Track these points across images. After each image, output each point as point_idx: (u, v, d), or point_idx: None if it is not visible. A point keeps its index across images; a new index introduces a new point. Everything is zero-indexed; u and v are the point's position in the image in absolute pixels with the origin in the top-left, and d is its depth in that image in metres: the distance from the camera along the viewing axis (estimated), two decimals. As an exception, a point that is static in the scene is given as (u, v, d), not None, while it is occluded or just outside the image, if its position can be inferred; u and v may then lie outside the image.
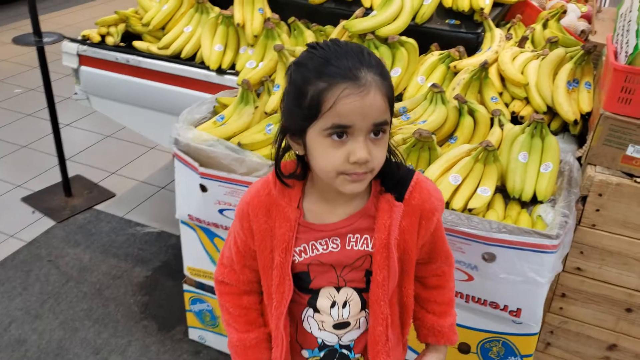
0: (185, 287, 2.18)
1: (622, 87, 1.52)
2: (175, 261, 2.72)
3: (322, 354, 1.18)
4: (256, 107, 1.93)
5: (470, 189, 1.61)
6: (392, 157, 1.09)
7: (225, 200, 1.81)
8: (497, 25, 2.31)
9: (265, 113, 1.95)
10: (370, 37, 2.02)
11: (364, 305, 1.13)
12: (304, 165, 1.08)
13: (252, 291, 1.24)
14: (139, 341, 2.30)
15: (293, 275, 1.11)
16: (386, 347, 1.13)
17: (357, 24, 2.04)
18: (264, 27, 2.14)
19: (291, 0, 2.34)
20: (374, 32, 2.03)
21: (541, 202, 1.63)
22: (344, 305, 1.13)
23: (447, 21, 2.18)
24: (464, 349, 1.74)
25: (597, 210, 1.62)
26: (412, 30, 2.10)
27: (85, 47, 2.49)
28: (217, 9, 2.42)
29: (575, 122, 1.82)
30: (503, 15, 2.47)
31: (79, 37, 2.54)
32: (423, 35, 2.12)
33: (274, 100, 1.96)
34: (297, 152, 1.05)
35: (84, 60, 2.53)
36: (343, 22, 2.11)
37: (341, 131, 0.95)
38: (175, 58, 2.37)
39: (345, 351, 1.17)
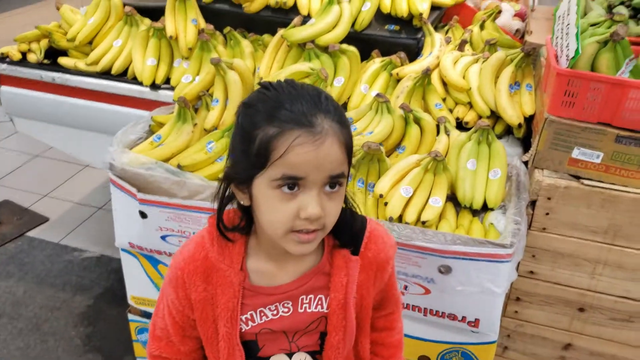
0: (131, 316, 2.06)
1: (565, 91, 1.52)
2: (119, 286, 2.58)
3: None
4: (195, 125, 1.83)
5: (422, 200, 1.58)
6: (346, 205, 0.99)
7: (167, 226, 1.71)
8: (435, 28, 2.30)
9: (205, 130, 1.86)
10: (311, 47, 1.96)
11: None
12: (248, 218, 0.97)
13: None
14: (83, 377, 2.17)
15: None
16: None
17: (296, 33, 1.98)
18: (198, 39, 2.05)
19: (226, 9, 2.25)
20: (314, 40, 1.97)
21: (492, 209, 1.61)
22: None
23: (386, 27, 2.15)
24: (423, 362, 1.71)
25: (547, 213, 1.63)
26: (352, 37, 2.06)
27: (4, 65, 2.32)
28: (147, 21, 2.30)
29: (519, 125, 1.82)
30: (440, 18, 2.47)
31: (-2, 55, 2.36)
32: (363, 42, 2.08)
33: (213, 115, 1.87)
34: (242, 202, 0.94)
35: (4, 79, 2.36)
36: (281, 31, 2.04)
37: (292, 183, 0.86)
38: (106, 74, 2.24)
39: None
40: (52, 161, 3.57)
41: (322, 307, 1.00)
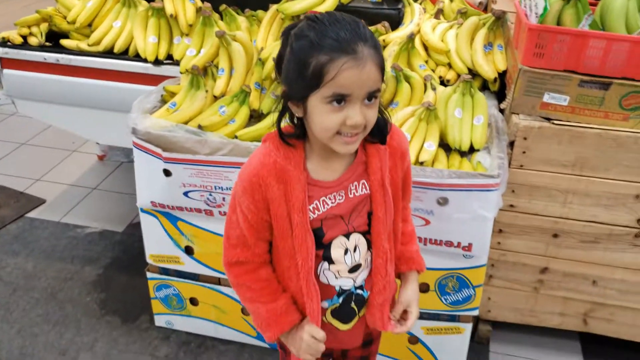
0: (149, 274, 2.23)
1: (535, 44, 1.78)
2: (125, 256, 2.74)
3: (340, 299, 1.28)
4: (207, 91, 2.01)
5: (419, 145, 1.82)
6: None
7: (191, 182, 1.89)
8: (410, 1, 2.53)
9: (215, 96, 2.04)
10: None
11: (369, 246, 1.27)
12: (302, 127, 1.18)
13: (266, 262, 1.29)
14: (105, 336, 2.31)
15: None
16: (385, 280, 1.28)
17: (290, 6, 2.18)
18: (200, 15, 2.22)
19: (220, -12, 2.42)
20: (306, 13, 2.17)
21: (477, 150, 1.86)
22: (355, 250, 1.25)
23: (369, 0, 2.37)
24: (423, 288, 1.95)
25: (524, 152, 1.88)
26: (340, 9, 2.27)
27: (6, 49, 2.44)
28: (144, 2, 2.46)
29: (494, 80, 2.08)
30: (413, -8, 2.70)
31: (-3, 40, 2.47)
32: (350, 14, 2.28)
33: (221, 83, 2.05)
34: (296, 115, 1.15)
35: (6, 63, 2.47)
36: (275, 6, 2.23)
37: (340, 99, 1.06)
38: (108, 53, 2.39)
39: (359, 291, 1.29)
40: (39, 148, 3.66)
41: (366, 189, 1.23)
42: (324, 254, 1.24)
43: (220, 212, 1.96)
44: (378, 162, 1.22)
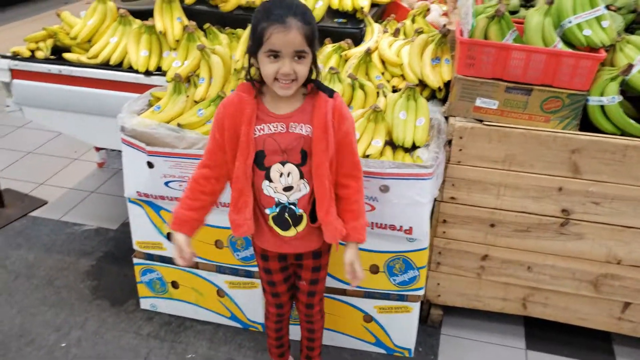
0: (135, 260, 2.50)
1: (467, 55, 2.07)
2: (117, 250, 3.01)
3: (277, 209, 1.74)
4: (187, 96, 2.31)
5: (367, 142, 2.10)
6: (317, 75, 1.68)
7: (170, 173, 2.18)
8: (376, 23, 2.84)
9: (195, 101, 2.34)
10: (276, 35, 2.47)
11: (302, 176, 1.69)
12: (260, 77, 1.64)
13: (219, 176, 1.74)
14: (96, 317, 2.58)
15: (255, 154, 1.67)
16: (328, 204, 1.71)
17: (264, 24, 2.48)
18: (185, 32, 2.53)
19: (204, 9, 2.74)
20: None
21: (419, 147, 2.14)
22: (288, 175, 1.68)
23: (335, 20, 2.69)
24: (374, 270, 2.21)
25: (460, 150, 2.16)
26: (308, 28, 2.57)
27: (16, 61, 2.75)
28: (138, 21, 2.77)
29: (440, 89, 2.37)
30: (380, 15, 3.02)
31: (7, 54, 2.79)
32: (318, 32, 2.59)
33: (200, 90, 2.35)
34: (254, 66, 1.62)
35: (16, 74, 2.78)
36: (251, 24, 2.54)
37: (274, 54, 1.52)
38: (105, 65, 2.70)
39: (292, 207, 1.73)
40: (43, 156, 3.97)
41: (305, 131, 1.66)
42: (266, 174, 1.69)
43: (196, 201, 2.23)
44: (324, 108, 1.64)
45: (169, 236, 2.37)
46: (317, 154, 1.66)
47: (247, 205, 1.73)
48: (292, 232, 1.78)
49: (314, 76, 1.66)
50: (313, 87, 1.68)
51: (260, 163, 1.68)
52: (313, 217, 1.77)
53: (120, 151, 3.67)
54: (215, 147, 1.72)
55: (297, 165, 1.69)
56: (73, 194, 3.52)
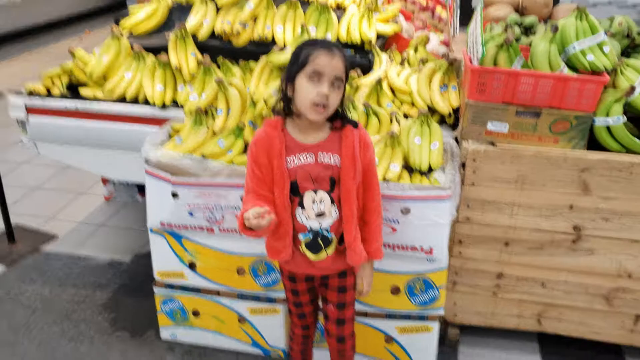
0: (156, 290, 2.54)
1: (478, 82, 2.18)
2: (131, 282, 3.04)
3: (310, 235, 1.81)
4: (207, 128, 2.38)
5: (385, 167, 2.18)
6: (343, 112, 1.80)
7: (195, 202, 2.24)
8: (381, 53, 2.95)
9: (214, 132, 2.41)
10: (289, 67, 2.56)
11: (332, 202, 1.78)
12: (289, 109, 1.74)
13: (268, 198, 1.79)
14: (117, 349, 2.59)
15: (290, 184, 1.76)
16: (355, 231, 1.80)
17: (278, 57, 2.58)
18: (200, 66, 2.62)
19: (218, 44, 2.84)
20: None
21: (435, 170, 2.23)
22: (320, 202, 1.77)
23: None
24: (395, 291, 2.27)
25: (474, 171, 2.25)
26: (319, 59, 2.67)
27: (32, 98, 2.81)
28: (152, 56, 2.86)
29: (449, 114, 2.47)
30: (382, 46, 3.13)
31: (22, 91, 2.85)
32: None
33: (219, 121, 2.42)
34: (288, 94, 1.71)
35: (31, 111, 2.84)
36: (264, 57, 2.64)
37: (317, 75, 1.63)
38: (120, 100, 2.77)
39: (324, 233, 1.81)
40: (50, 191, 4.00)
41: (333, 161, 1.76)
42: (299, 202, 1.78)
43: (220, 229, 2.29)
44: (352, 138, 1.74)
45: (191, 265, 2.41)
46: (345, 181, 1.76)
47: (287, 233, 1.80)
48: (322, 255, 1.83)
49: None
50: (340, 120, 1.78)
51: (295, 192, 1.77)
52: (340, 240, 1.85)
53: (129, 183, 3.75)
54: (258, 182, 1.78)
55: (328, 192, 1.78)
56: (83, 228, 3.55)
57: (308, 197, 1.77)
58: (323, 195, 1.77)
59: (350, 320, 2.03)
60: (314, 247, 1.82)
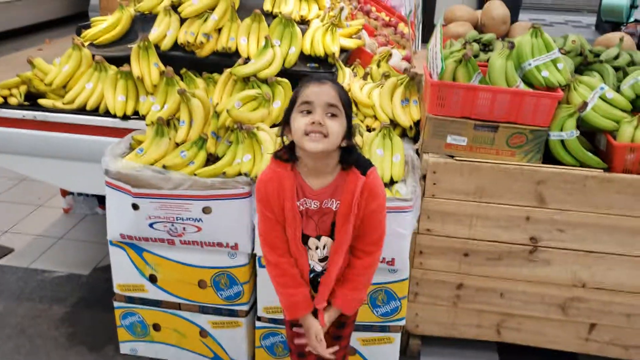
0: (116, 304, 2.49)
1: (438, 96, 2.23)
2: (91, 295, 2.97)
3: (311, 275, 1.78)
4: (169, 139, 2.37)
5: (347, 178, 2.20)
6: (355, 149, 1.69)
7: (156, 214, 2.21)
8: (344, 66, 2.99)
9: (176, 143, 2.40)
10: (253, 79, 2.57)
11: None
12: (291, 152, 1.67)
13: (285, 253, 1.74)
14: (74, 364, 2.53)
15: None
16: (337, 276, 1.75)
17: (242, 69, 2.59)
18: (163, 77, 2.60)
19: (180, 55, 2.82)
20: (255, 75, 2.59)
21: (396, 182, 2.26)
22: (324, 247, 1.73)
23: (308, 65, 2.81)
24: (357, 302, 2.28)
25: (434, 184, 2.29)
26: (283, 73, 2.69)
27: (-12, 108, 2.75)
28: (114, 67, 2.83)
29: (410, 127, 2.51)
30: (346, 60, 3.17)
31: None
32: (292, 76, 2.71)
33: (182, 132, 2.41)
34: (288, 137, 1.65)
35: (-13, 121, 2.77)
36: (229, 69, 2.64)
37: (307, 107, 1.56)
38: (81, 111, 2.72)
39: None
40: (6, 204, 3.89)
41: (336, 207, 1.68)
42: (304, 244, 1.73)
43: (180, 241, 2.27)
44: (353, 186, 1.65)
45: (152, 278, 2.38)
46: (338, 229, 1.69)
47: (305, 279, 1.76)
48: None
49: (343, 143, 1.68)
50: (349, 161, 1.68)
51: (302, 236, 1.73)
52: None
53: (88, 195, 3.68)
54: (270, 224, 1.71)
55: (330, 236, 1.73)
56: (41, 241, 3.46)
57: (312, 242, 1.73)
58: (326, 240, 1.73)
59: (344, 348, 1.97)
60: (315, 286, 1.80)
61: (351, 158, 1.67)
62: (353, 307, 1.82)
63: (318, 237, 1.72)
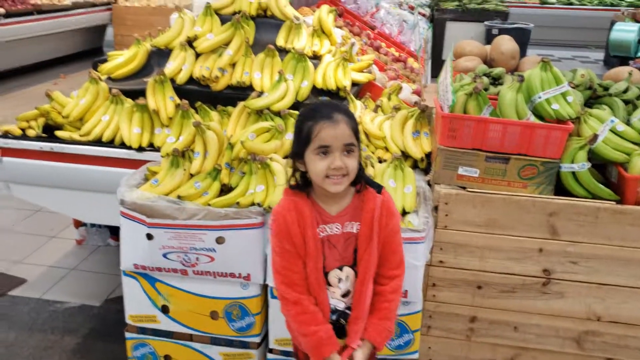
0: (128, 334, 2.49)
1: (449, 128, 2.25)
2: (102, 326, 2.97)
3: (334, 316, 1.71)
4: (184, 170, 2.40)
5: (360, 209, 2.22)
6: (362, 167, 1.68)
7: (170, 244, 2.23)
8: (355, 100, 3.04)
9: (191, 174, 2.43)
10: (267, 112, 2.62)
11: (357, 276, 1.68)
12: (304, 180, 1.66)
13: (304, 291, 1.67)
14: (84, 395, 2.52)
15: None
16: (365, 310, 1.68)
17: (255, 102, 2.64)
18: (178, 110, 2.65)
19: (195, 89, 2.88)
20: (269, 108, 2.63)
21: (408, 213, 2.27)
22: (346, 279, 1.69)
23: (320, 98, 2.86)
24: (370, 334, 2.27)
25: (447, 215, 2.30)
26: (295, 105, 2.73)
27: (7, 140, 2.80)
28: (130, 100, 2.89)
29: (422, 159, 2.53)
30: (357, 93, 3.22)
31: (-2, 133, 2.85)
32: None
33: (196, 163, 2.44)
34: (301, 169, 1.64)
35: (6, 152, 2.82)
36: (243, 102, 2.69)
37: (324, 150, 1.54)
38: (97, 142, 2.78)
39: (347, 311, 1.72)
40: (20, 234, 3.93)
41: (356, 229, 1.67)
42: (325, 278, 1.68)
43: (194, 272, 2.28)
44: (372, 205, 1.66)
45: (164, 309, 2.38)
46: (361, 255, 1.66)
47: (326, 317, 1.69)
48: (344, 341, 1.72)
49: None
50: (363, 184, 1.68)
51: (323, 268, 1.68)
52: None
53: (101, 227, 3.71)
54: (291, 259, 1.66)
55: (352, 267, 1.70)
56: (53, 272, 3.48)
57: (333, 274, 1.68)
58: (349, 271, 1.69)
59: None
60: (337, 330, 1.70)
61: (363, 178, 1.69)
62: (385, 338, 1.74)
63: (340, 268, 1.69)
